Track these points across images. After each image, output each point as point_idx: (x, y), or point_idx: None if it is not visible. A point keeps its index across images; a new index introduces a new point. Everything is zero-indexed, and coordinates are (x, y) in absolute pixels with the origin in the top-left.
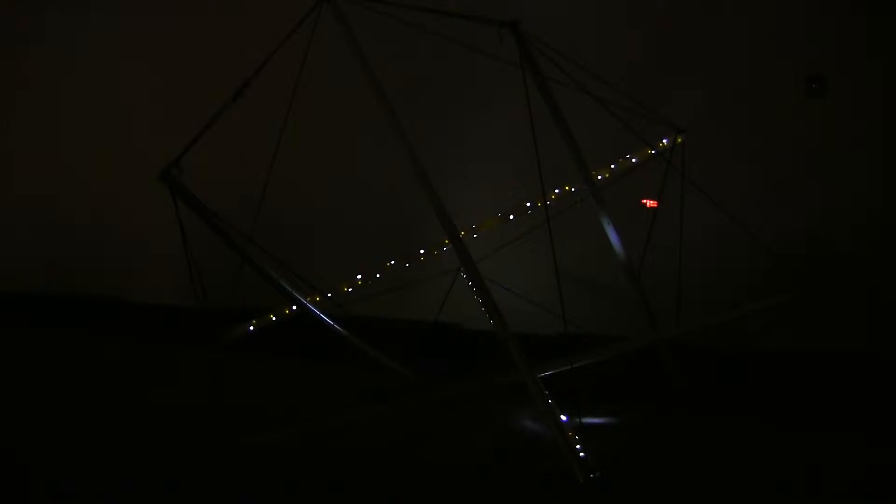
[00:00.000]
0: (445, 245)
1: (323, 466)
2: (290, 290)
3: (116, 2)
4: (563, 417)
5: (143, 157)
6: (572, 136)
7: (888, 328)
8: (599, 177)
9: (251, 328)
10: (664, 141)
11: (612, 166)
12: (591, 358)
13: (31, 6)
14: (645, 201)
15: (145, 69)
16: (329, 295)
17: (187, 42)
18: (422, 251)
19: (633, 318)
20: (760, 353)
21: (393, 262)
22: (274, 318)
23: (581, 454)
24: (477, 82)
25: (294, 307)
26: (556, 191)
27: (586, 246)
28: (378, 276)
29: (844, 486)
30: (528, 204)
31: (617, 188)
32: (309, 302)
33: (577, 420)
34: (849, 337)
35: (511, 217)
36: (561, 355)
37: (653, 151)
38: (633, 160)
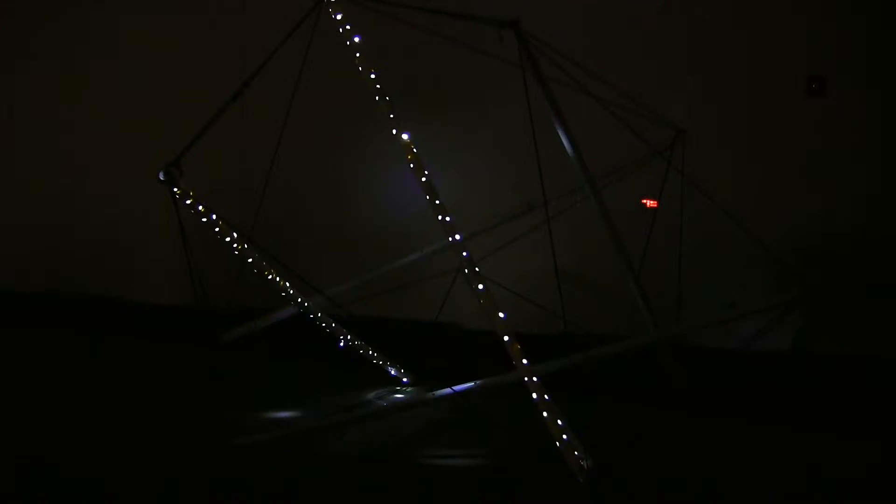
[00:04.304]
0: (445, 245)
1: (323, 466)
2: (290, 290)
3: (116, 1)
4: (563, 417)
5: (143, 158)
6: (572, 136)
7: (888, 328)
8: (599, 177)
9: (251, 328)
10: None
11: (612, 166)
12: (591, 358)
13: (29, 6)
14: (645, 201)
15: (145, 69)
16: (329, 295)
17: (187, 42)
18: (422, 251)
19: (633, 318)
20: (760, 353)
21: (393, 263)
22: (274, 319)
23: (581, 454)
24: (477, 82)
25: (294, 307)
26: (556, 191)
27: (586, 246)
28: (378, 276)
29: (844, 486)
30: (528, 204)
31: (617, 188)
32: (309, 302)
33: (576, 420)
34: (849, 337)
35: (511, 217)
36: (561, 355)
37: (653, 151)
38: (633, 160)
